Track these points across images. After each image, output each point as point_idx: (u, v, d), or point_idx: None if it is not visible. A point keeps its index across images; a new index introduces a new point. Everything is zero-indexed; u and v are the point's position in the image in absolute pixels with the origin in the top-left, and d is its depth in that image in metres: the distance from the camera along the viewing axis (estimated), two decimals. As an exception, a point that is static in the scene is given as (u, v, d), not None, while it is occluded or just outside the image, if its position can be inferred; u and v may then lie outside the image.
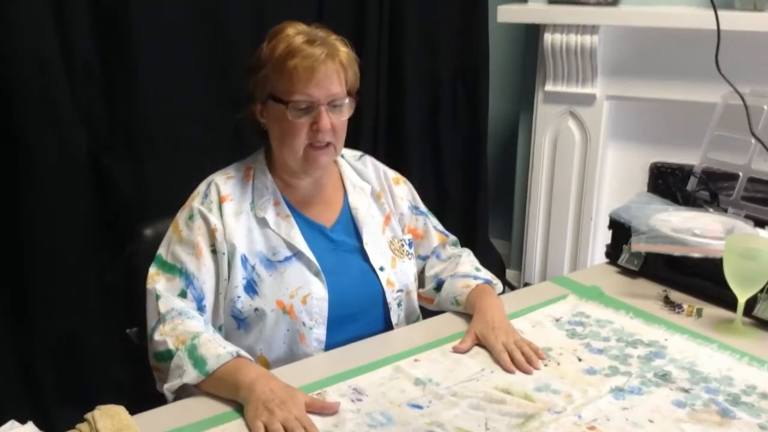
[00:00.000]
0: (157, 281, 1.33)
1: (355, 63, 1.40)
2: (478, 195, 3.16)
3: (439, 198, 3.00)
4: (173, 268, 1.34)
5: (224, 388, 1.19)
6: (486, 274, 1.52)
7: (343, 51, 1.37)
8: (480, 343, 1.35)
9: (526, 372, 1.27)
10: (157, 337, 1.27)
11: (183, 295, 1.32)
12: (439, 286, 1.53)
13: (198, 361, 1.21)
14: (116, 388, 2.07)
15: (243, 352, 1.24)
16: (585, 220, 3.00)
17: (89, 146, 2.06)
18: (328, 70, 1.33)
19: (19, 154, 1.93)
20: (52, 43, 1.93)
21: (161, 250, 1.37)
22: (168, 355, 1.24)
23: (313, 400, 1.16)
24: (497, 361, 1.30)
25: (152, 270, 1.35)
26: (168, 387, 1.22)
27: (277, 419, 1.09)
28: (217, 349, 1.22)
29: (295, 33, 1.36)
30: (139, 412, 1.15)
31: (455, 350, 1.33)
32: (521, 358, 1.29)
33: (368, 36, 2.66)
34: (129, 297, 1.53)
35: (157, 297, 1.31)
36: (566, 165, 2.99)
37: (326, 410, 1.15)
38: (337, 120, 1.36)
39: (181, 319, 1.28)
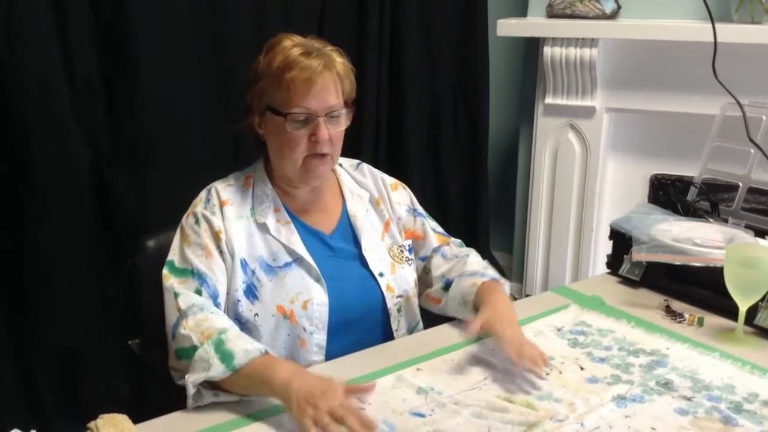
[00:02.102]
0: (172, 281, 1.33)
1: (351, 73, 1.42)
2: (479, 208, 3.16)
3: (440, 211, 3.01)
4: (185, 272, 1.34)
5: (254, 386, 1.18)
6: (494, 272, 1.51)
7: (339, 62, 1.39)
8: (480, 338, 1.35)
9: (530, 370, 1.25)
10: (181, 331, 1.25)
11: (198, 293, 1.32)
12: (447, 286, 1.52)
13: (225, 356, 1.19)
14: (117, 399, 2.06)
15: (270, 351, 1.23)
16: (586, 232, 3.00)
17: (91, 160, 2.07)
18: (325, 81, 1.34)
19: (22, 168, 1.94)
20: (54, 59, 1.95)
21: (172, 257, 1.37)
22: (192, 351, 1.23)
23: (350, 385, 1.17)
24: (504, 349, 1.27)
25: (165, 271, 1.35)
26: (193, 379, 1.19)
27: (322, 411, 1.10)
28: (246, 345, 1.21)
29: (292, 45, 1.37)
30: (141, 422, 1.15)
31: (468, 332, 1.31)
32: (531, 353, 1.25)
33: (369, 51, 2.68)
34: (131, 308, 1.54)
35: (176, 294, 1.30)
36: (567, 177, 2.99)
37: (365, 391, 1.16)
38: (334, 130, 1.37)
39: (205, 315, 1.27)
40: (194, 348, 1.23)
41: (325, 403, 1.10)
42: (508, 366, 1.31)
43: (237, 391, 1.20)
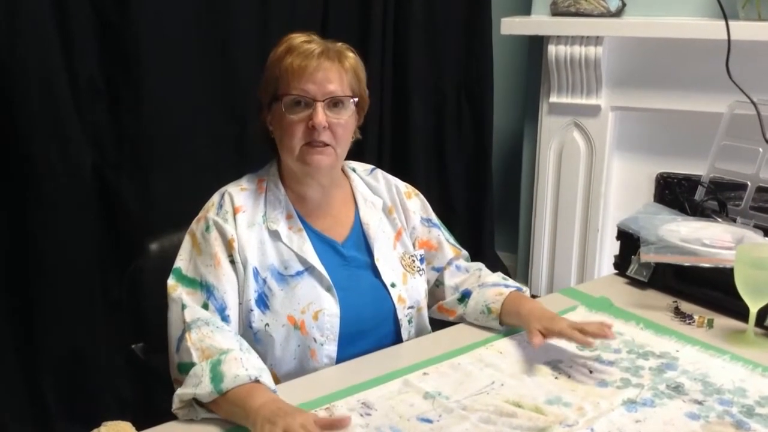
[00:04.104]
0: (180, 292, 1.30)
1: (361, 70, 1.40)
2: (483, 208, 3.15)
3: (444, 211, 2.99)
4: (193, 282, 1.31)
5: (234, 413, 1.15)
6: (514, 282, 1.53)
7: (348, 56, 1.37)
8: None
9: (606, 337, 1.30)
10: (184, 344, 1.23)
11: (205, 307, 1.29)
12: (463, 297, 1.51)
13: (216, 377, 1.16)
14: (121, 404, 2.06)
15: (264, 378, 1.19)
16: (591, 232, 2.99)
17: (94, 162, 2.06)
18: (323, 66, 1.32)
19: (26, 171, 1.93)
20: (57, 61, 1.94)
21: (180, 264, 1.34)
22: (189, 367, 1.20)
23: (322, 417, 1.12)
24: (573, 340, 1.31)
25: (171, 282, 1.32)
26: (180, 393, 1.17)
27: (279, 427, 1.06)
28: (238, 370, 1.17)
29: (298, 35, 1.36)
30: (144, 428, 1.14)
31: (534, 344, 1.32)
32: (594, 328, 1.30)
33: (372, 50, 2.67)
34: (134, 312, 1.53)
35: (183, 306, 1.28)
36: (572, 176, 2.98)
37: (337, 425, 1.10)
38: (334, 119, 1.33)
39: (210, 330, 1.24)
40: (192, 365, 1.20)
41: (284, 421, 1.06)
42: (516, 370, 1.30)
43: (221, 415, 1.17)
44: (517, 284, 1.52)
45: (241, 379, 1.16)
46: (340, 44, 1.38)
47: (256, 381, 1.17)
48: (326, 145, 1.34)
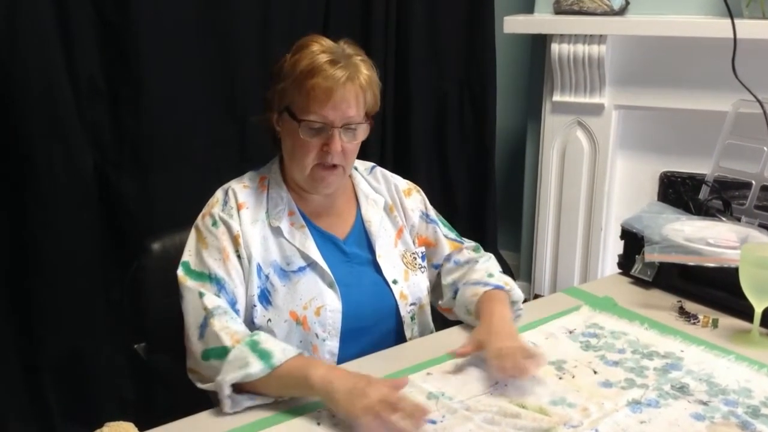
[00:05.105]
0: (191, 283, 1.30)
1: (377, 86, 1.39)
2: (486, 207, 3.14)
3: (447, 210, 2.98)
4: (202, 275, 1.31)
5: (292, 385, 1.17)
6: (498, 279, 1.46)
7: (365, 74, 1.36)
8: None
9: (523, 376, 1.22)
10: (212, 330, 1.23)
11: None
12: (456, 295, 1.50)
13: (263, 354, 1.18)
14: (123, 404, 2.05)
15: (305, 352, 1.23)
16: (595, 231, 2.98)
17: (95, 162, 2.05)
18: (346, 92, 1.32)
19: (26, 171, 1.93)
20: (58, 60, 1.93)
21: (188, 258, 1.34)
22: (222, 352, 1.20)
23: (386, 379, 1.17)
24: (489, 364, 1.26)
25: (181, 273, 1.32)
26: (229, 378, 1.17)
27: (374, 400, 1.09)
28: (282, 345, 1.21)
29: (320, 50, 1.34)
30: (147, 428, 1.13)
31: (457, 355, 1.30)
32: (509, 365, 1.22)
33: (374, 50, 2.66)
34: (136, 312, 1.52)
35: (201, 294, 1.27)
36: (575, 175, 2.97)
37: (399, 387, 1.15)
38: (348, 143, 1.35)
39: (229, 317, 1.26)
40: (226, 349, 1.20)
41: (374, 391, 1.10)
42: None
43: (270, 392, 1.19)
44: (500, 282, 1.46)
45: (290, 352, 1.19)
46: (358, 59, 1.36)
47: (301, 354, 1.21)
48: (337, 166, 1.36)
